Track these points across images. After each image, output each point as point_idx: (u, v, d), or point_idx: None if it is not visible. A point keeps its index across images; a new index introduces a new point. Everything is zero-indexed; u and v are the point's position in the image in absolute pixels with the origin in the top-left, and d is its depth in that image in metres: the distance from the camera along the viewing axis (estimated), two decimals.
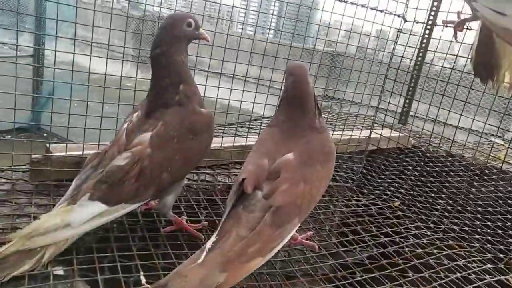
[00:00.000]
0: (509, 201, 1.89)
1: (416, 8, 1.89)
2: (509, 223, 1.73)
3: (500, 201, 1.89)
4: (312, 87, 1.31)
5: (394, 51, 2.14)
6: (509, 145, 1.99)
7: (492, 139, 2.15)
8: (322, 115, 1.33)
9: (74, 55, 1.54)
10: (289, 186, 1.16)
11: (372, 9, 1.79)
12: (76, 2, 1.75)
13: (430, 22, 2.55)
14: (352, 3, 1.72)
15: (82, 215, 1.14)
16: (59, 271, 1.11)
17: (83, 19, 1.62)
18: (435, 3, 2.63)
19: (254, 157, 1.26)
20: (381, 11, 1.83)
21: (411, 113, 3.09)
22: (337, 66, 2.29)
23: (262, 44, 1.87)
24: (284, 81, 1.37)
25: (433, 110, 2.08)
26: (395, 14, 1.88)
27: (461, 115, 1.91)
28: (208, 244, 1.06)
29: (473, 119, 1.84)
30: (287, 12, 1.88)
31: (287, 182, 1.16)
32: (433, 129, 2.11)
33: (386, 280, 1.28)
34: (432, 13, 2.57)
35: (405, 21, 1.92)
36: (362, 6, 1.75)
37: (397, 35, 1.94)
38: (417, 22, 1.94)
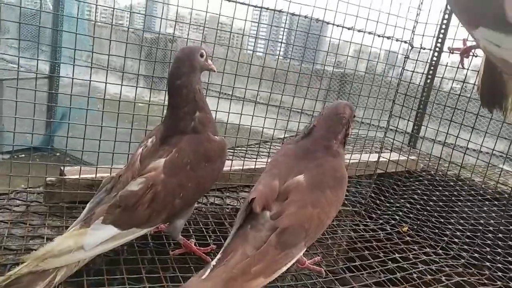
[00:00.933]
0: None
1: (423, 35, 1.92)
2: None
3: (511, 227, 1.87)
4: (348, 120, 1.35)
5: (402, 76, 2.17)
6: None
7: (501, 165, 2.14)
8: (344, 146, 1.38)
9: (90, 82, 1.59)
10: (297, 209, 1.17)
11: (379, 36, 1.83)
12: (93, 32, 1.81)
13: (437, 48, 2.58)
14: (359, 31, 1.76)
15: (95, 238, 1.17)
16: None
17: (96, 42, 1.68)
18: (442, 30, 2.67)
19: (266, 177, 1.28)
20: (388, 38, 1.87)
21: (421, 136, 3.11)
22: (345, 92, 2.33)
23: (272, 68, 1.91)
24: None
25: (442, 133, 2.10)
26: (402, 41, 1.92)
27: (469, 140, 1.91)
28: (213, 261, 1.08)
29: (481, 145, 1.84)
30: (296, 35, 1.93)
31: (295, 204, 1.18)
32: (441, 154, 2.11)
33: None
34: (439, 39, 2.61)
35: (412, 47, 1.96)
36: (369, 33, 1.79)
37: (404, 61, 1.97)
38: (424, 49, 1.97)
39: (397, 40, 1.87)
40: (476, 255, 1.69)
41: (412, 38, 1.91)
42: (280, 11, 1.77)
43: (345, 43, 2.06)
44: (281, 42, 1.97)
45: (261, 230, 1.15)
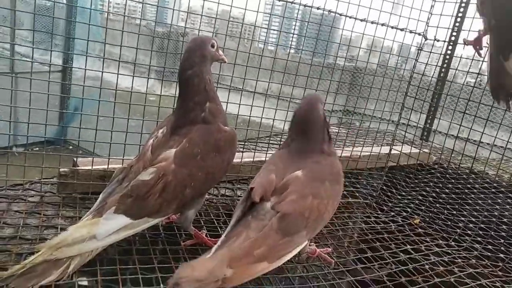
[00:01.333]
0: None
1: (437, 27, 1.90)
2: None
3: None
4: (324, 115, 1.36)
5: (415, 68, 2.15)
6: None
7: None
8: (332, 142, 1.39)
9: (102, 74, 1.60)
10: (297, 198, 1.20)
11: (392, 27, 1.80)
12: (106, 23, 1.82)
13: (452, 40, 2.53)
14: (372, 22, 1.74)
15: (108, 227, 1.18)
16: (84, 281, 1.15)
17: (109, 34, 1.69)
18: (457, 22, 2.62)
19: (262, 173, 1.32)
20: (402, 30, 1.85)
21: (433, 129, 3.08)
22: (357, 84, 2.31)
23: (283, 61, 1.91)
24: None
25: (455, 126, 2.07)
26: (415, 33, 1.89)
27: (482, 132, 1.89)
28: (216, 244, 1.12)
29: (495, 136, 1.82)
30: (308, 28, 1.92)
31: (295, 194, 1.20)
32: (453, 147, 2.09)
33: None
34: (454, 31, 2.56)
35: (426, 39, 1.93)
36: (382, 25, 1.76)
37: (418, 53, 1.95)
38: (438, 41, 1.93)
39: (410, 32, 1.84)
40: (489, 246, 1.67)
41: (426, 30, 1.88)
42: (292, 2, 1.76)
43: (357, 37, 2.05)
44: (293, 34, 1.95)
45: (263, 219, 1.17)
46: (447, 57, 2.77)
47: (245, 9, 1.74)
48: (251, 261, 1.09)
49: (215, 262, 1.06)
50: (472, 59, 1.86)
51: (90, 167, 1.59)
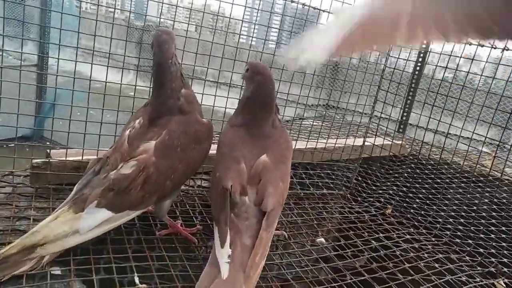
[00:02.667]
0: (503, 207, 1.92)
1: None
2: (503, 228, 1.76)
3: (494, 207, 1.92)
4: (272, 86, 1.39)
5: (387, 62, 2.20)
6: (495, 154, 2.02)
7: (480, 148, 2.20)
8: (279, 113, 1.43)
9: (76, 63, 1.59)
10: (273, 189, 1.22)
11: None
12: (80, 13, 1.80)
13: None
14: None
15: (90, 222, 1.19)
16: (57, 271, 1.15)
17: (86, 29, 1.67)
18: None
19: (229, 161, 1.30)
20: None
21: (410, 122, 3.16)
22: (338, 78, 2.35)
23: (264, 55, 1.92)
24: (245, 78, 1.45)
25: (430, 120, 2.14)
26: None
27: (450, 124, 1.96)
28: (225, 258, 1.08)
29: (461, 128, 1.89)
30: (289, 23, 1.93)
31: (270, 184, 1.23)
32: (423, 138, 2.16)
33: (375, 283, 1.31)
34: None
35: None
36: None
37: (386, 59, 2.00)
38: None
39: None
40: (458, 233, 1.73)
41: None
42: None
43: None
44: (268, 26, 1.97)
45: (248, 218, 1.18)
46: (422, 51, 2.83)
47: (220, 1, 1.74)
48: (256, 269, 1.08)
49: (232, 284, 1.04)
50: (450, 56, 1.92)
51: (64, 158, 1.57)
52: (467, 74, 2.01)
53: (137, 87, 1.75)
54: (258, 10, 1.91)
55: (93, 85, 1.67)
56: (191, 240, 1.42)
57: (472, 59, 2.06)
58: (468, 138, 2.07)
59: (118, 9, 1.94)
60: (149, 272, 1.19)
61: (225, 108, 1.86)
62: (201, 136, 1.38)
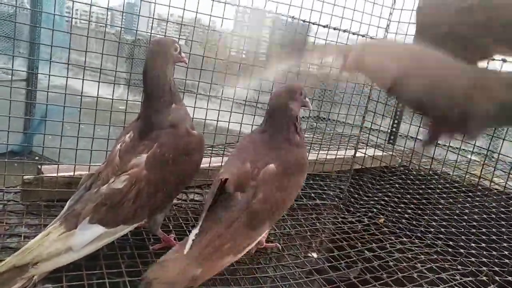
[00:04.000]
0: (492, 216, 1.94)
1: (396, 33, 1.98)
2: (493, 237, 1.78)
3: (484, 216, 1.94)
4: (293, 106, 1.37)
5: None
6: (483, 162, 2.06)
7: (469, 156, 2.23)
8: (302, 133, 1.41)
9: (67, 79, 1.59)
10: (268, 194, 1.25)
11: (353, 33, 1.87)
12: (71, 28, 1.81)
13: None
14: (335, 29, 1.81)
15: (83, 238, 1.18)
16: (49, 287, 1.14)
17: (76, 43, 1.67)
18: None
19: (236, 160, 1.34)
20: (363, 36, 1.92)
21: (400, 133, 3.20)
22: (325, 89, 2.38)
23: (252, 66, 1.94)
24: None
25: (415, 130, 2.17)
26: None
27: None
28: (192, 236, 1.15)
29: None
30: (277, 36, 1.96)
31: (267, 189, 1.25)
32: (413, 148, 2.19)
33: None
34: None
35: None
36: (344, 31, 1.83)
37: None
38: None
39: (371, 38, 1.92)
40: (450, 242, 1.75)
41: (386, 36, 1.96)
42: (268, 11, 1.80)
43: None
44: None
45: (233, 211, 1.21)
46: None
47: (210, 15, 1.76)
48: (219, 257, 1.14)
49: (187, 262, 1.09)
50: None
51: (55, 174, 1.56)
52: None
53: (128, 101, 1.75)
54: (247, 24, 1.93)
55: (83, 99, 1.67)
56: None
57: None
58: (457, 148, 2.10)
59: (109, 24, 1.95)
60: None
61: (217, 121, 1.87)
62: (192, 148, 1.38)
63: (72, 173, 1.59)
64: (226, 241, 1.15)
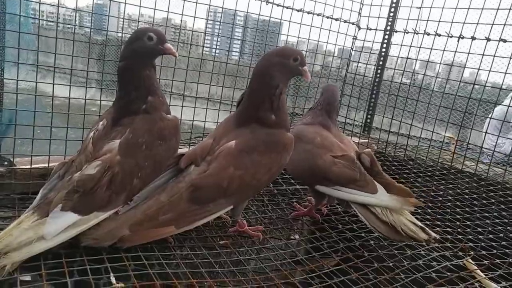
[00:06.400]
0: (465, 196, 2.01)
1: (368, 16, 2.03)
2: (467, 215, 1.85)
3: (458, 197, 2.01)
4: (277, 74, 1.32)
5: (349, 67, 2.30)
6: (454, 149, 2.14)
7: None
8: (282, 110, 1.37)
9: (36, 84, 1.55)
10: (217, 170, 1.27)
11: (327, 17, 1.90)
12: (38, 30, 1.76)
13: (385, 41, 2.66)
14: (308, 13, 1.83)
15: (56, 226, 1.14)
16: (26, 277, 1.10)
17: (43, 44, 1.63)
18: (389, 23, 2.76)
19: (204, 139, 1.43)
20: (336, 20, 1.95)
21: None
22: (300, 86, 2.43)
23: (227, 66, 1.96)
24: None
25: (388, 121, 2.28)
26: (349, 22, 2.01)
27: (411, 125, 2.06)
28: (132, 202, 1.24)
29: (422, 128, 1.97)
30: (250, 34, 1.98)
31: (217, 165, 1.28)
32: (387, 138, 2.26)
33: (351, 270, 1.33)
34: (389, 21, 2.68)
35: (359, 28, 2.04)
36: (318, 15, 1.85)
37: (352, 42, 2.06)
38: (370, 29, 2.06)
39: (344, 21, 1.95)
40: (426, 222, 1.79)
41: (359, 20, 2.00)
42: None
43: (301, 42, 2.14)
44: (242, 40, 2.01)
45: (181, 181, 1.27)
46: (382, 57, 2.91)
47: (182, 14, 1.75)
48: (156, 225, 1.20)
49: (118, 223, 1.19)
50: (407, 59, 2.02)
51: (29, 166, 1.52)
52: (423, 77, 2.14)
53: (100, 102, 1.72)
54: (220, 22, 1.93)
55: (52, 102, 1.65)
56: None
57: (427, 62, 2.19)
58: (428, 139, 2.19)
59: (77, 26, 1.92)
60: (125, 272, 1.16)
61: (192, 121, 1.87)
62: (167, 133, 1.37)
63: (46, 165, 1.55)
64: (165, 211, 1.20)
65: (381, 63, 2.81)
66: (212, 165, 1.29)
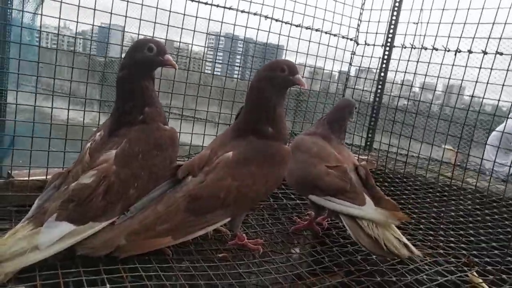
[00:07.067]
0: (463, 213, 1.98)
1: (366, 33, 2.06)
2: (470, 231, 1.82)
3: (460, 213, 1.99)
4: (272, 98, 1.35)
5: (345, 92, 2.33)
6: (454, 161, 2.14)
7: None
8: (280, 123, 1.37)
9: (35, 108, 1.58)
10: (214, 180, 1.26)
11: (326, 33, 1.92)
12: (38, 57, 1.79)
13: (387, 47, 2.65)
14: (307, 28, 1.85)
15: (50, 236, 1.12)
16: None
17: (48, 68, 1.66)
18: (389, 39, 2.79)
19: (204, 149, 1.43)
20: (335, 35, 1.98)
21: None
22: (301, 110, 2.45)
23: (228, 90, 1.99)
24: None
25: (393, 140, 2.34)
26: (347, 38, 2.03)
27: (408, 150, 2.07)
28: (129, 213, 1.22)
29: (418, 153, 1.98)
30: (252, 59, 2.02)
31: (215, 176, 1.27)
32: (387, 155, 2.26)
33: (354, 284, 1.30)
34: (389, 37, 2.70)
35: (357, 44, 2.06)
36: (317, 30, 1.88)
37: (351, 57, 2.08)
38: (368, 45, 2.09)
39: (343, 37, 1.98)
40: (429, 237, 1.76)
41: (357, 36, 2.03)
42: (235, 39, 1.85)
43: (299, 66, 2.18)
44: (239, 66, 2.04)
45: (178, 192, 1.25)
46: (381, 79, 2.90)
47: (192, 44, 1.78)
48: (152, 236, 1.18)
49: (115, 233, 1.17)
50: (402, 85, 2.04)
51: (26, 178, 1.51)
52: (418, 103, 2.19)
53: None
54: (217, 48, 1.97)
55: (55, 121, 1.67)
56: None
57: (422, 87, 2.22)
58: (426, 158, 2.19)
59: (78, 53, 1.97)
60: (122, 283, 1.13)
61: (190, 142, 1.88)
62: (164, 143, 1.36)
63: (44, 177, 1.54)
64: (162, 221, 1.18)
65: (381, 78, 2.82)
66: (209, 176, 1.28)
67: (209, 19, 1.73)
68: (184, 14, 1.72)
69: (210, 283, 1.21)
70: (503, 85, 1.75)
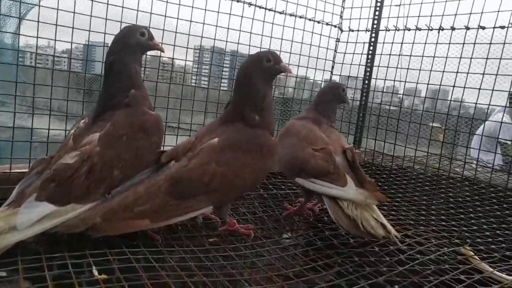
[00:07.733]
0: (452, 199, 2.00)
1: (350, 19, 2.07)
2: (461, 209, 1.86)
3: (450, 199, 1.99)
4: (262, 88, 1.36)
5: (333, 70, 2.33)
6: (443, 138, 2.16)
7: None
8: (267, 112, 1.38)
9: (13, 129, 1.59)
10: (198, 165, 1.24)
11: (310, 19, 1.93)
12: (16, 77, 1.79)
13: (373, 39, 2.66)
14: (291, 15, 1.86)
15: (29, 216, 1.09)
16: (2, 273, 1.03)
17: (37, 80, 1.66)
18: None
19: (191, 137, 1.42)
20: (318, 22, 1.98)
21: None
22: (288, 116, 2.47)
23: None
24: None
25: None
26: (331, 25, 2.04)
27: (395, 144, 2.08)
28: (110, 196, 1.21)
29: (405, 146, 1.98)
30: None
31: (199, 160, 1.25)
32: (383, 150, 2.29)
33: (347, 261, 1.28)
34: (374, 22, 2.68)
35: (342, 31, 2.07)
36: (300, 17, 1.88)
37: (336, 44, 2.09)
38: (352, 31, 2.10)
39: (327, 24, 1.99)
40: (421, 217, 1.76)
41: (341, 23, 2.04)
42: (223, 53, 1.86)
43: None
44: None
45: (159, 175, 1.23)
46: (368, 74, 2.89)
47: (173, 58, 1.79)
48: (130, 217, 1.14)
49: (93, 211, 1.15)
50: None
51: (8, 171, 1.46)
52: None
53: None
54: (208, 63, 1.97)
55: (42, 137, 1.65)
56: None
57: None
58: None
59: (72, 71, 1.98)
60: (109, 264, 1.09)
61: None
62: (149, 126, 1.34)
63: (27, 170, 1.49)
64: (141, 202, 1.15)
65: (369, 63, 2.81)
66: (193, 160, 1.26)
67: (194, 48, 1.76)
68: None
69: (201, 265, 1.18)
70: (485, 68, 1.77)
